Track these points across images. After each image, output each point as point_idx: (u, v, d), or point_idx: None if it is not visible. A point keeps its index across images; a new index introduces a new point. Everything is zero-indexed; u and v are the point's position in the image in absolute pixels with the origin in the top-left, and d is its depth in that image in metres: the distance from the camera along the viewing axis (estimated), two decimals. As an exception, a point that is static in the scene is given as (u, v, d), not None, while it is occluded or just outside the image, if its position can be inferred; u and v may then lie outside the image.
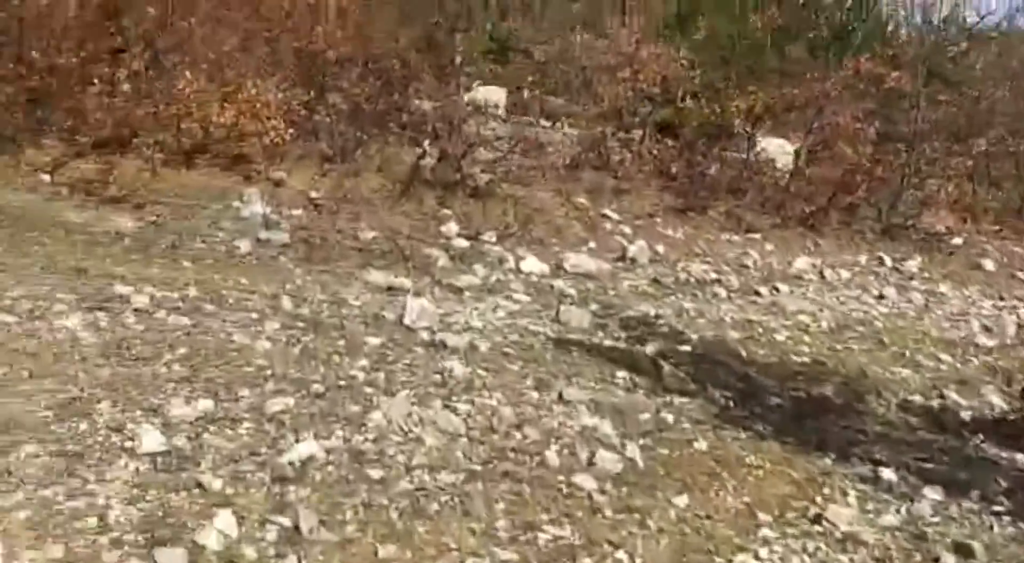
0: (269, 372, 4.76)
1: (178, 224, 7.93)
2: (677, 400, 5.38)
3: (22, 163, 8.23)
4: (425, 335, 5.84)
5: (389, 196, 10.19)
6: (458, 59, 10.72)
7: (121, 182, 8.49)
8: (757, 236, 11.42)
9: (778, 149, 13.55)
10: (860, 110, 13.24)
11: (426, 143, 11.51)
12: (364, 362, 5.14)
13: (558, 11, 12.39)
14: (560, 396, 5.02)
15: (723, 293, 8.41)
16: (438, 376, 5.03)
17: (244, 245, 7.58)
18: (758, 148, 13.30)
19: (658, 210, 12.19)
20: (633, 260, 9.19)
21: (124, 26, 9.25)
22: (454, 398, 4.77)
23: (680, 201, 12.58)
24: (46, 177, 8.17)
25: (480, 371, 5.24)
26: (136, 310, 5.53)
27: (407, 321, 6.03)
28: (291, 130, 9.51)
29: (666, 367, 5.67)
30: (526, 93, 12.11)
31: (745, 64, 13.15)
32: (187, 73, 8.76)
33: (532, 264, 8.40)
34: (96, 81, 8.79)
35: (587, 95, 12.86)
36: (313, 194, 9.53)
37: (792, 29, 13.23)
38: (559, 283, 7.92)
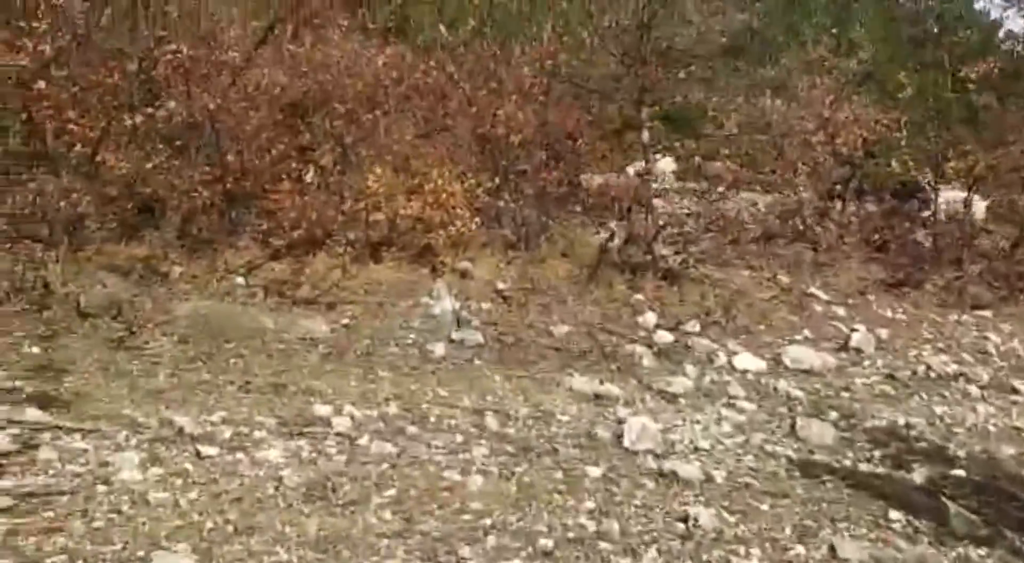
0: (488, 521, 4.15)
1: (370, 326, 7.64)
2: (973, 552, 4.36)
3: (219, 266, 8.21)
4: (650, 461, 5.11)
5: (577, 282, 9.64)
6: (646, 135, 10.09)
7: (312, 281, 8.34)
8: (987, 314, 10.07)
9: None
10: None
11: (612, 224, 10.98)
12: (589, 503, 4.45)
13: (743, 76, 11.57)
14: (832, 551, 4.14)
15: (974, 391, 7.22)
16: (680, 525, 4.26)
17: (438, 348, 7.16)
18: (971, 210, 11.95)
19: (868, 286, 11.04)
20: (858, 350, 8.15)
21: (311, 123, 9.25)
22: (705, 556, 3.99)
23: (891, 274, 11.40)
24: (241, 280, 8.11)
25: (726, 515, 4.43)
26: (338, 435, 5.12)
27: (626, 443, 5.33)
28: (476, 219, 9.15)
29: (951, 507, 4.66)
30: (718, 164, 11.34)
31: (956, 119, 11.86)
32: (376, 168, 8.57)
33: (747, 360, 7.54)
34: (286, 179, 8.76)
35: (781, 162, 11.92)
36: (500, 285, 9.10)
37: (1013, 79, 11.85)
38: (783, 384, 7.02)
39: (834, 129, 11.72)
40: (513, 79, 10.22)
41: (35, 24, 5.29)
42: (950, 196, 12.01)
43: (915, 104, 12.20)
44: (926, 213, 12.35)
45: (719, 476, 4.99)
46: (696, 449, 5.43)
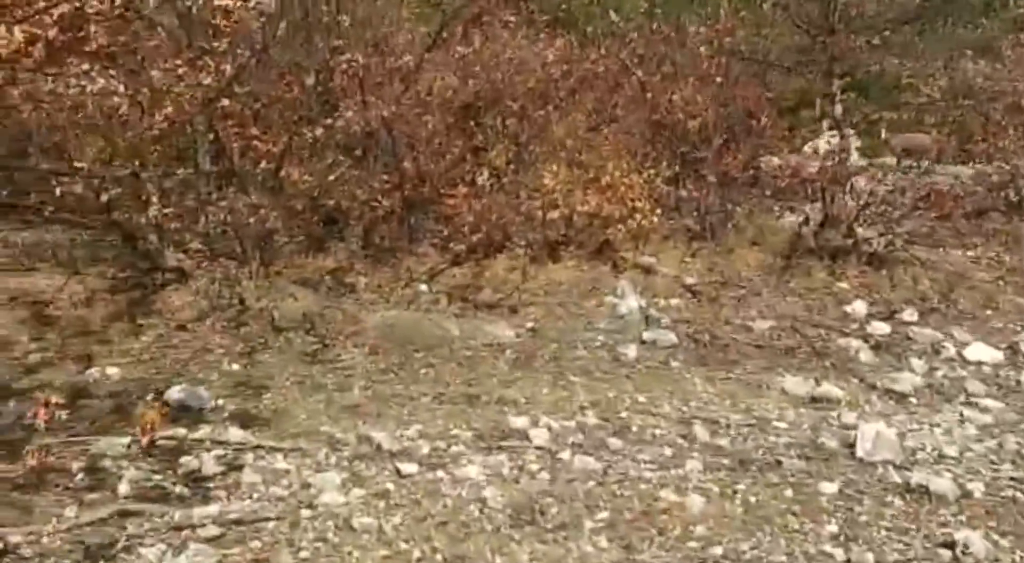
0: (718, 550, 3.71)
1: (555, 328, 7.33)
2: None
3: (402, 274, 8.16)
4: (892, 473, 4.49)
5: (771, 273, 8.95)
6: (838, 109, 9.25)
7: (493, 284, 8.15)
8: None
9: None
10: None
11: (807, 207, 10.18)
12: (831, 526, 3.92)
13: (941, 40, 10.41)
14: None
15: None
16: (946, 552, 3.65)
17: (630, 351, 6.74)
18: None
19: (1101, 260, 9.70)
20: (1108, 335, 7.06)
21: (483, 123, 9.06)
22: (985, 593, 3.38)
23: None
24: (424, 287, 8.01)
25: (998, 538, 3.78)
26: (537, 449, 4.82)
27: (860, 453, 4.72)
28: (657, 211, 8.64)
29: None
30: (920, 135, 10.30)
31: None
32: (551, 164, 8.26)
33: (980, 351, 6.68)
34: (461, 182, 8.61)
35: (990, 129, 10.68)
36: (688, 280, 8.57)
37: None
38: (1029, 377, 6.12)
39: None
40: (689, 61, 9.66)
41: (215, 43, 5.28)
42: None
43: None
44: None
45: (977, 490, 4.31)
46: (942, 457, 4.76)
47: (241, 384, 5.87)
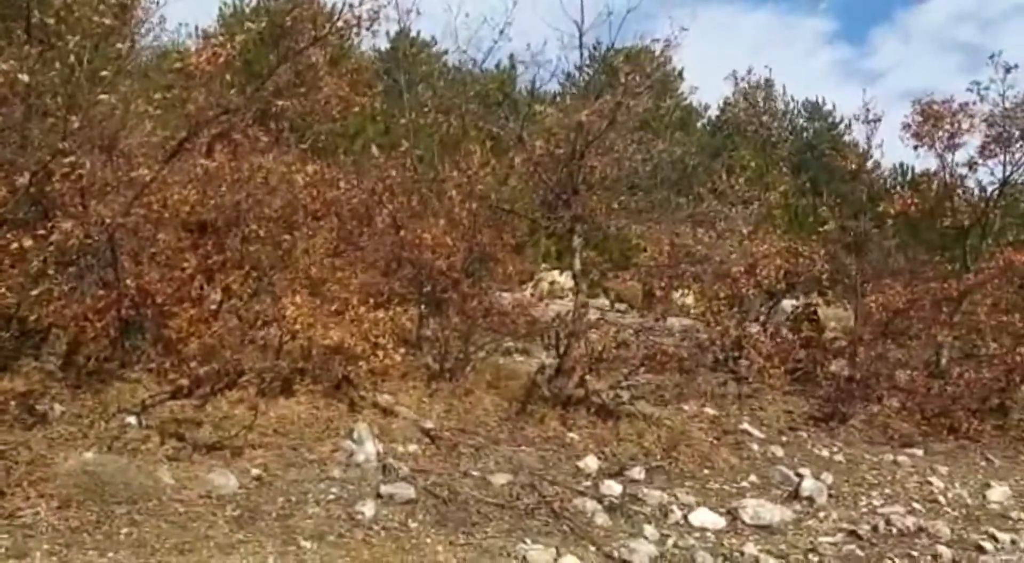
0: None
1: (285, 478, 6.70)
2: None
3: (107, 403, 7.14)
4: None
5: (507, 418, 8.98)
6: (577, 264, 9.68)
7: (215, 419, 7.36)
8: (919, 453, 9.87)
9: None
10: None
11: (543, 355, 10.44)
12: None
13: (667, 210, 11.37)
14: None
15: (943, 551, 6.76)
16: None
17: (367, 508, 6.27)
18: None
19: (795, 421, 10.80)
20: (810, 499, 7.69)
21: (222, 243, 8.41)
22: None
23: (816, 408, 11.21)
24: (132, 420, 7.04)
25: None
26: (261, 640, 4.19)
27: (605, 639, 4.58)
28: (401, 349, 8.38)
29: None
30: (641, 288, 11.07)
31: (877, 255, 12.04)
32: (295, 295, 7.78)
33: (704, 516, 6.96)
34: (191, 304, 7.82)
35: (703, 291, 11.73)
36: (427, 423, 8.33)
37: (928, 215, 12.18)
38: (750, 548, 6.39)
39: (755, 260, 11.67)
40: (442, 202, 9.74)
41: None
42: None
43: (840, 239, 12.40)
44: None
45: None
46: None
47: None
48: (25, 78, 3.81)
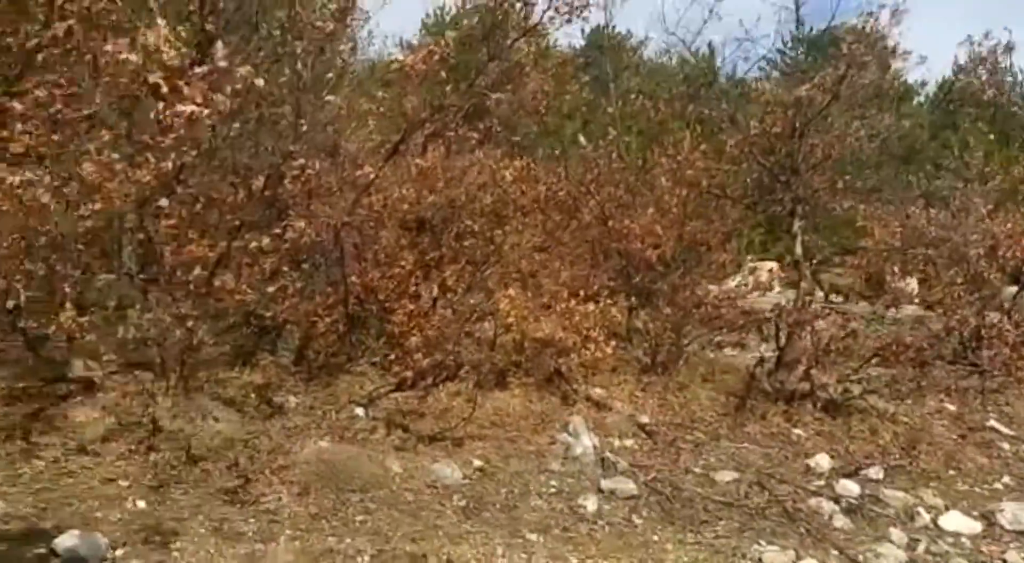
0: None
1: (506, 470, 6.69)
2: None
3: (337, 395, 7.46)
4: None
5: (725, 413, 8.57)
6: (798, 249, 9.12)
7: (436, 411, 7.50)
8: None
9: None
10: None
11: (761, 347, 9.93)
12: None
13: (896, 189, 10.52)
14: None
15: None
16: None
17: (589, 503, 6.14)
18: None
19: (1051, 415, 9.64)
20: (1081, 506, 6.78)
21: (438, 240, 8.60)
22: None
23: (1074, 401, 9.96)
24: (360, 411, 7.31)
25: None
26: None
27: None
28: (612, 342, 8.20)
29: None
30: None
31: None
32: (508, 289, 7.81)
33: (956, 520, 6.30)
34: (409, 300, 8.04)
35: (938, 277, 10.75)
36: (642, 418, 8.11)
37: None
38: (1013, 556, 5.72)
39: (996, 241, 10.55)
40: (649, 190, 9.49)
41: (159, 138, 4.70)
42: None
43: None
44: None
45: None
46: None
47: (147, 528, 5.03)
48: (260, 82, 3.92)
